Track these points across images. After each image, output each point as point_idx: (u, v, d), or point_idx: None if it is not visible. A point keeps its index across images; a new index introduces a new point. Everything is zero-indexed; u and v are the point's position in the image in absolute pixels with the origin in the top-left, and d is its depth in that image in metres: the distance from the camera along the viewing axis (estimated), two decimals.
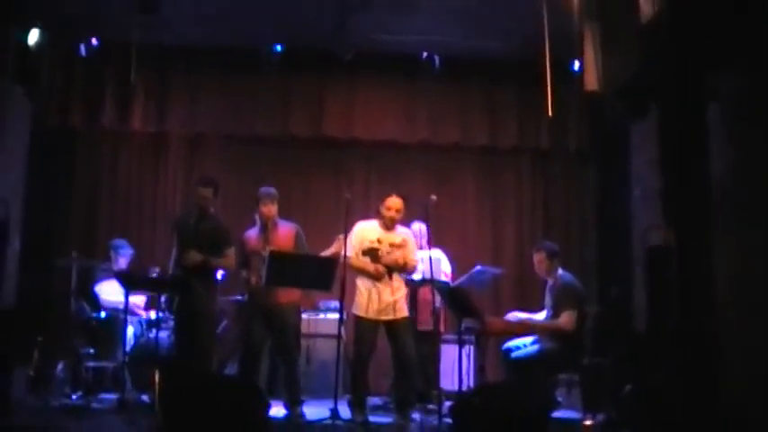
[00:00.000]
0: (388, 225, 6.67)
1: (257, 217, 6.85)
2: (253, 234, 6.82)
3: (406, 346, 6.63)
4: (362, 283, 6.61)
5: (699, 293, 5.48)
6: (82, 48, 8.31)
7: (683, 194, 5.58)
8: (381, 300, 6.56)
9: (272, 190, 6.84)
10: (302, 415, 6.56)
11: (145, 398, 6.74)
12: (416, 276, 7.38)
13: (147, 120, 8.69)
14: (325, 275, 6.22)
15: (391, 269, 6.63)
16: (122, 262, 7.70)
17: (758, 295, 5.54)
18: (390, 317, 6.58)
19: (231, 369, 7.49)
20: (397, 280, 6.68)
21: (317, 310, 8.24)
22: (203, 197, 6.83)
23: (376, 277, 6.56)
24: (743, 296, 5.50)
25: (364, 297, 6.58)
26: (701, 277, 5.47)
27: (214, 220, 6.88)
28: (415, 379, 6.73)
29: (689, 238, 5.53)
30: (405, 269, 6.72)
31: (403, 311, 6.67)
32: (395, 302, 6.61)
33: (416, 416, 6.67)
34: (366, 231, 6.67)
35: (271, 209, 6.76)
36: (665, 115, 6.15)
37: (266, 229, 6.77)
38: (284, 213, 7.02)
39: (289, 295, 6.63)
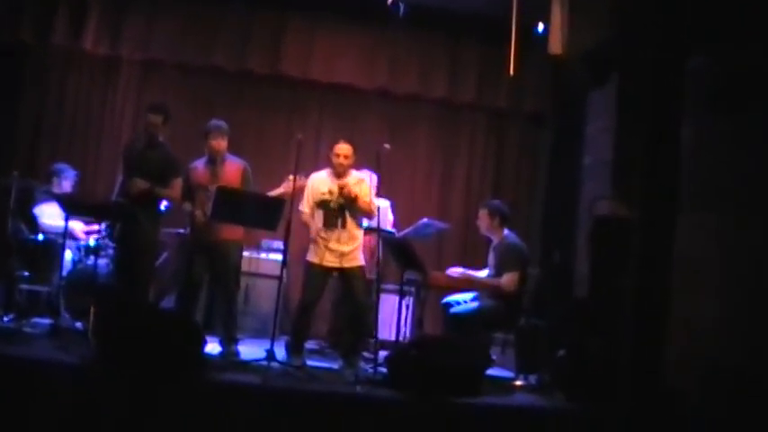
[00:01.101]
0: (338, 172, 6.60)
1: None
2: (199, 166, 6.68)
3: (359, 294, 6.65)
4: (317, 233, 6.57)
5: (655, 268, 5.53)
6: None
7: (650, 169, 5.60)
8: (334, 249, 6.52)
9: (223, 124, 6.71)
10: (237, 353, 6.53)
11: (79, 325, 6.63)
12: (363, 224, 7.36)
13: (100, 40, 8.35)
14: (272, 215, 6.13)
15: (344, 210, 6.56)
16: (66, 185, 7.51)
17: (707, 276, 5.66)
18: (347, 264, 6.57)
19: (168, 302, 7.41)
20: (354, 229, 6.64)
21: (259, 249, 8.18)
22: (153, 124, 6.65)
23: (329, 224, 6.53)
24: (692, 275, 5.59)
25: (318, 245, 6.55)
26: (659, 252, 5.52)
27: (163, 149, 6.71)
28: (364, 327, 6.74)
29: (652, 212, 5.56)
30: (362, 209, 6.63)
31: (357, 261, 6.65)
32: (349, 252, 6.58)
33: (362, 364, 6.70)
34: (317, 183, 6.62)
35: (220, 143, 6.63)
36: (628, 86, 6.18)
37: (214, 163, 6.64)
38: (235, 149, 6.90)
39: (232, 232, 6.53)
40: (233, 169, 6.66)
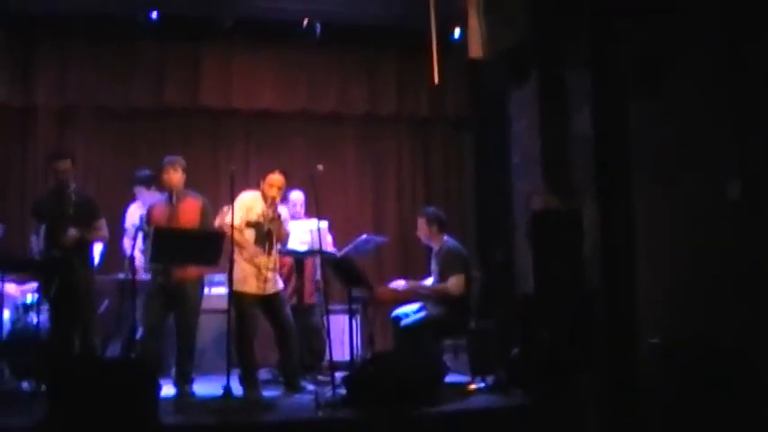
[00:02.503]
0: (272, 203, 6.51)
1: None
2: (159, 205, 6.55)
3: (286, 319, 6.62)
4: (242, 258, 6.45)
5: (620, 248, 5.64)
6: None
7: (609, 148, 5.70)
8: (260, 274, 6.45)
9: (177, 158, 6.58)
10: (192, 393, 6.41)
11: (25, 385, 6.44)
12: (303, 248, 7.33)
13: (12, 91, 8.19)
14: (212, 250, 6.02)
15: (272, 242, 6.54)
16: None
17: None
18: (269, 291, 6.50)
19: (113, 350, 7.24)
20: (275, 254, 6.60)
21: None
22: (63, 170, 6.53)
23: (255, 252, 6.45)
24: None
25: (245, 272, 6.42)
26: (622, 230, 5.63)
27: (79, 194, 6.61)
28: (295, 349, 6.71)
29: (606, 201, 5.68)
30: (281, 237, 6.64)
31: (278, 285, 6.63)
32: (272, 278, 6.54)
33: (309, 386, 6.64)
34: (254, 203, 6.52)
35: (171, 176, 6.48)
36: (548, 82, 6.30)
37: (172, 200, 6.52)
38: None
39: (190, 270, 6.42)
40: (191, 207, 6.52)
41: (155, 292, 6.42)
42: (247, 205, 6.48)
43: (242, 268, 6.41)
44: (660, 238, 5.85)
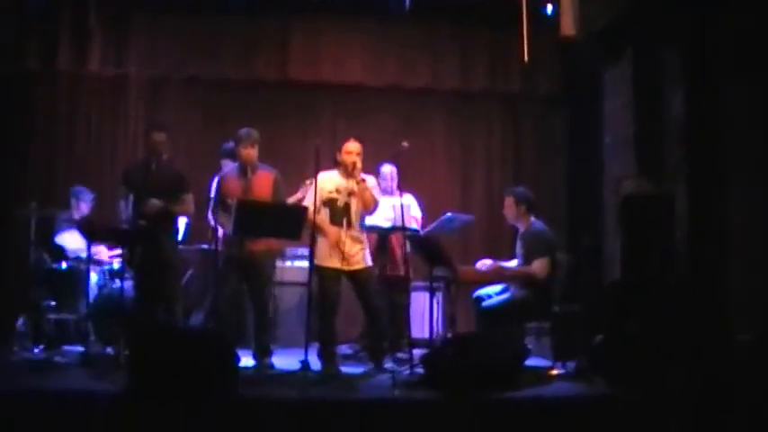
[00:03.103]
0: (350, 171, 6.42)
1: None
2: (232, 177, 6.56)
3: (372, 296, 6.54)
4: (323, 233, 6.42)
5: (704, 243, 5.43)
6: None
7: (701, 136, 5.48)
8: (343, 249, 6.38)
9: (253, 132, 6.53)
10: (271, 366, 6.44)
11: (109, 350, 6.58)
12: (386, 224, 7.26)
13: (105, 61, 8.39)
14: (294, 224, 6.00)
15: (349, 209, 6.44)
16: (84, 207, 7.49)
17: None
18: (353, 267, 6.44)
19: (196, 319, 7.33)
20: (356, 230, 6.49)
21: (283, 257, 8.07)
22: (159, 141, 6.63)
23: (334, 223, 6.39)
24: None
25: (326, 246, 6.40)
26: (707, 227, 5.42)
27: (169, 166, 6.71)
28: (384, 327, 6.65)
29: (698, 187, 5.45)
30: (369, 202, 6.45)
31: (365, 261, 6.53)
32: (354, 254, 6.45)
33: (389, 365, 6.60)
34: (324, 182, 6.40)
35: (250, 152, 6.47)
36: (644, 60, 6.07)
37: (246, 173, 6.52)
38: None
39: (263, 242, 6.41)
40: (264, 180, 6.51)
41: (229, 263, 6.45)
42: (319, 186, 6.36)
43: (322, 242, 6.39)
44: (755, 233, 5.59)
